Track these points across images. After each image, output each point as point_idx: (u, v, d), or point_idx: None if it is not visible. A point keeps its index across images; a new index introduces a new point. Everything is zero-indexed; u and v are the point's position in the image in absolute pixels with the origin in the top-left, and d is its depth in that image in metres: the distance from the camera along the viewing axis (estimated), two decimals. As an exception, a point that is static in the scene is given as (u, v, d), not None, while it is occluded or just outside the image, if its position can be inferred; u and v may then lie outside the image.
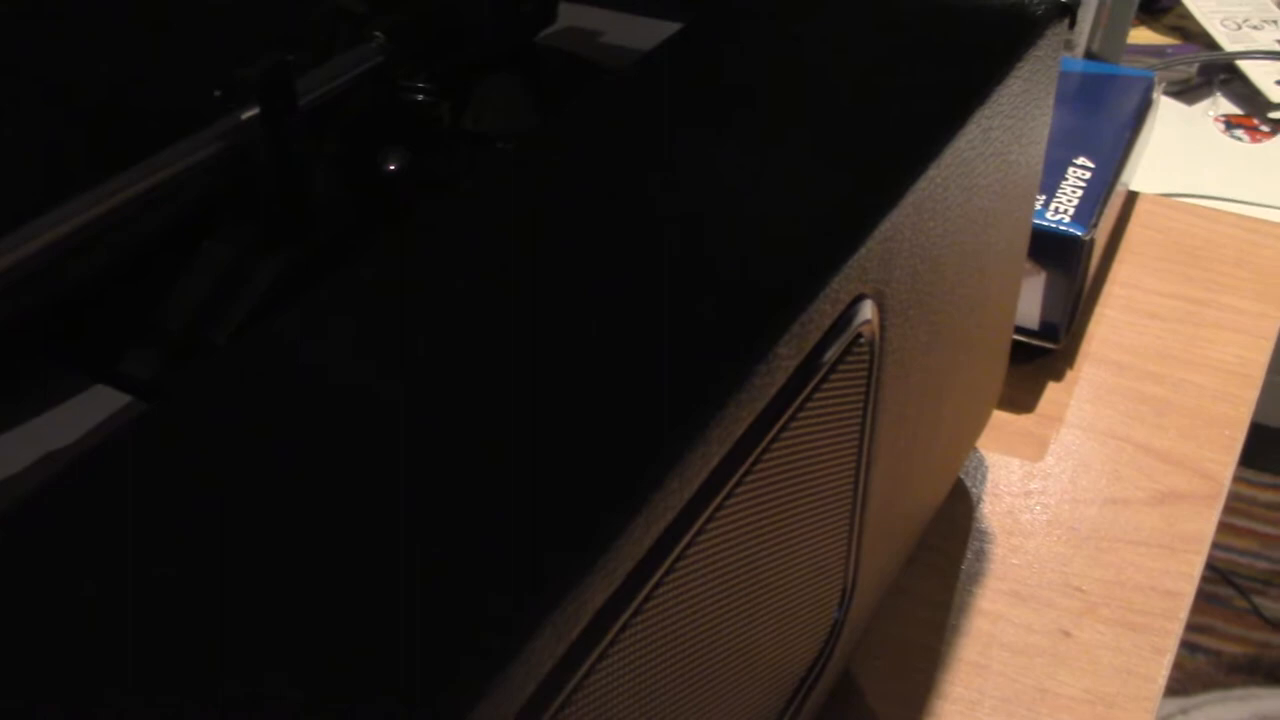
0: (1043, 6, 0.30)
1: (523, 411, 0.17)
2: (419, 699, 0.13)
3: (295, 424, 0.17)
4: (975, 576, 0.34)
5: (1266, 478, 1.74)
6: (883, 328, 0.24)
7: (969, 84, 0.26)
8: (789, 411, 0.21)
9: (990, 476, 0.37)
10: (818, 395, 0.22)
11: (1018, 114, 0.29)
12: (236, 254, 0.24)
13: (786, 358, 0.20)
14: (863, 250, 0.22)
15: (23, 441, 0.22)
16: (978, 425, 0.35)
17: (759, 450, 0.20)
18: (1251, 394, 0.40)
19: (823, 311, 0.21)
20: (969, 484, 0.37)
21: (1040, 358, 0.42)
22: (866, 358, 0.23)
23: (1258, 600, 1.57)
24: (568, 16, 0.32)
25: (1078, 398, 0.40)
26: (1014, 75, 0.28)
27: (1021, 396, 0.40)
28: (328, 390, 0.17)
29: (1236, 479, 1.66)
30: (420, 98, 0.28)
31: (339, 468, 0.16)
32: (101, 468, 0.16)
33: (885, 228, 0.23)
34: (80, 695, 0.13)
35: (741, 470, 0.19)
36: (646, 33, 0.33)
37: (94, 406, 0.23)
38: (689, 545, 0.19)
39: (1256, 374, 0.41)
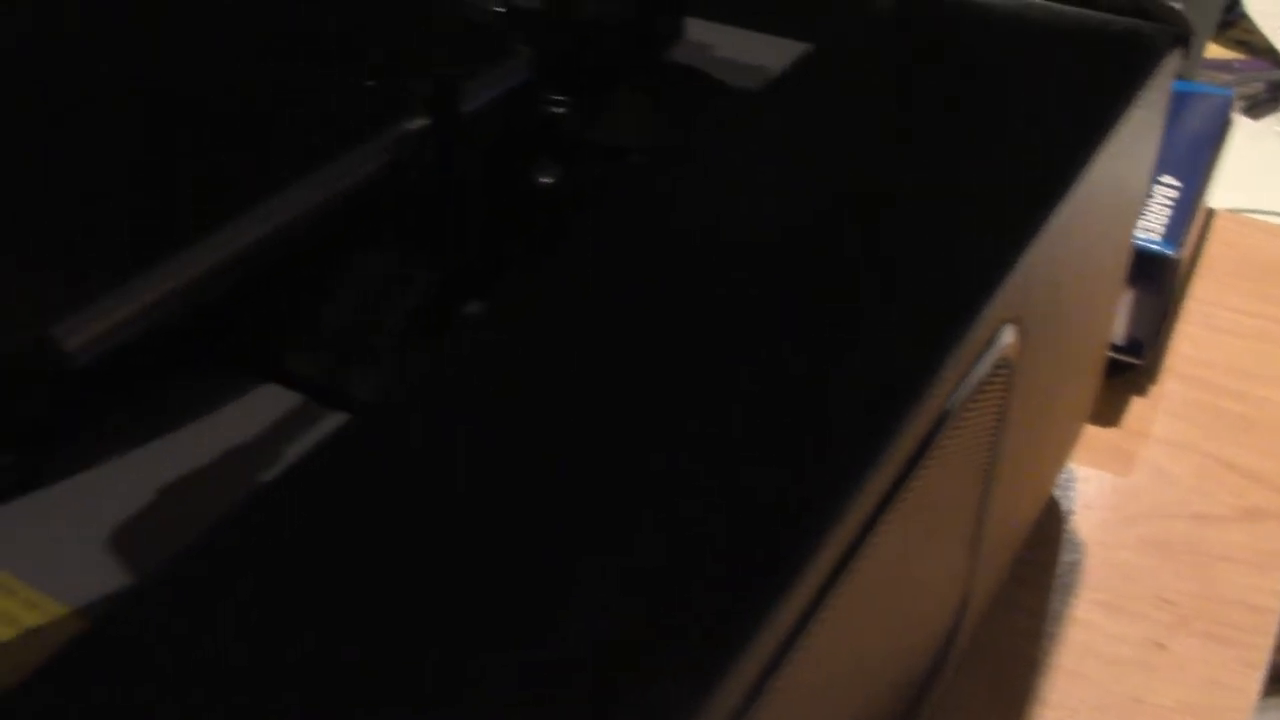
0: (1160, 36, 0.31)
1: (725, 433, 0.18)
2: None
3: (495, 444, 0.18)
4: (1069, 587, 0.35)
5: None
6: (1020, 350, 0.25)
7: (1098, 115, 0.27)
8: (946, 428, 0.22)
9: (1079, 489, 0.38)
10: (965, 414, 0.23)
11: (1135, 141, 0.30)
12: (399, 259, 0.25)
13: (950, 380, 0.21)
14: (1011, 278, 0.23)
15: (199, 437, 0.23)
16: (1072, 440, 0.36)
17: (921, 464, 0.21)
18: (1333, 414, 0.41)
19: (979, 337, 0.22)
20: (1059, 496, 0.38)
21: (1125, 373, 0.42)
22: (1006, 379, 0.24)
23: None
24: (689, 32, 0.33)
25: (1161, 413, 0.41)
26: (1136, 105, 0.29)
27: (1107, 411, 0.41)
28: (520, 413, 0.18)
29: None
30: (557, 110, 0.29)
31: (544, 495, 0.17)
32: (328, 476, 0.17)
33: (1028, 256, 0.23)
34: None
35: (909, 482, 0.20)
36: (766, 49, 0.34)
37: (267, 404, 0.24)
38: (861, 555, 0.19)
39: (1337, 394, 0.42)
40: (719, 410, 0.19)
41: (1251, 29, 0.71)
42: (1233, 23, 0.74)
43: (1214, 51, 0.71)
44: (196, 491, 0.22)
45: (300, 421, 0.24)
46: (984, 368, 0.23)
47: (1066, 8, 0.31)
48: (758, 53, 0.33)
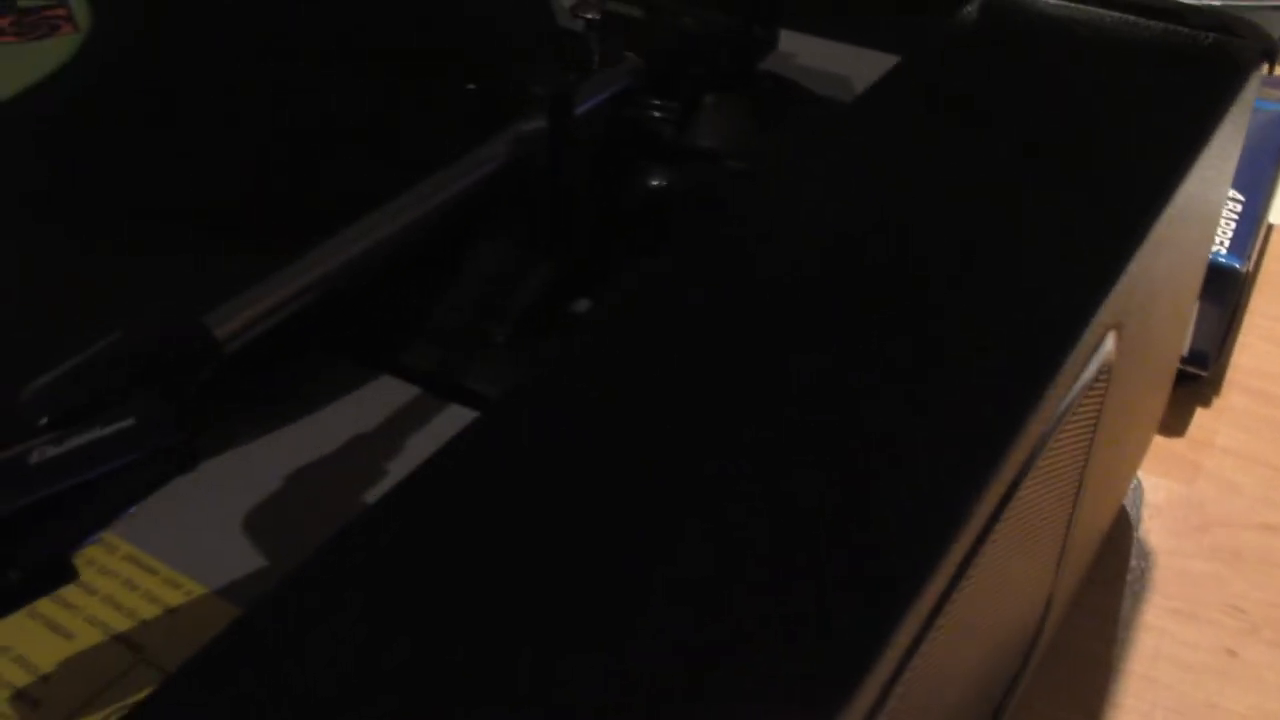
0: (1246, 51, 0.31)
1: (841, 443, 0.19)
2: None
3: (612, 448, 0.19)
4: (1139, 593, 0.36)
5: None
6: (1118, 354, 0.25)
7: (1192, 131, 0.28)
8: (1056, 431, 0.22)
9: (1147, 498, 0.39)
10: (1070, 417, 0.23)
11: (1221, 156, 0.31)
12: (513, 257, 0.26)
13: (1063, 385, 0.21)
14: (1115, 289, 0.23)
15: (323, 427, 0.24)
16: (1144, 448, 0.37)
17: (1032, 469, 0.21)
18: (1397, 428, 0.42)
19: (1088, 343, 0.22)
20: (1127, 505, 0.38)
21: (1189, 384, 0.43)
22: (1105, 384, 0.25)
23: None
24: (783, 43, 0.33)
25: (1225, 424, 0.42)
26: (1225, 121, 0.29)
27: (1173, 421, 0.42)
28: (623, 420, 0.19)
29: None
30: (656, 114, 0.29)
31: (646, 503, 0.18)
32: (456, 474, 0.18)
33: (1131, 267, 0.24)
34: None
35: (1020, 489, 0.21)
36: (853, 60, 0.34)
37: (386, 396, 0.25)
38: (973, 567, 0.20)
39: (1401, 409, 0.42)
40: (831, 420, 0.19)
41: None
42: None
43: (1264, 68, 0.72)
44: (321, 478, 0.23)
45: (416, 413, 0.25)
46: (1090, 373, 0.23)
47: (1153, 22, 0.32)
48: (845, 63, 0.34)
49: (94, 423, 0.17)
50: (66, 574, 0.17)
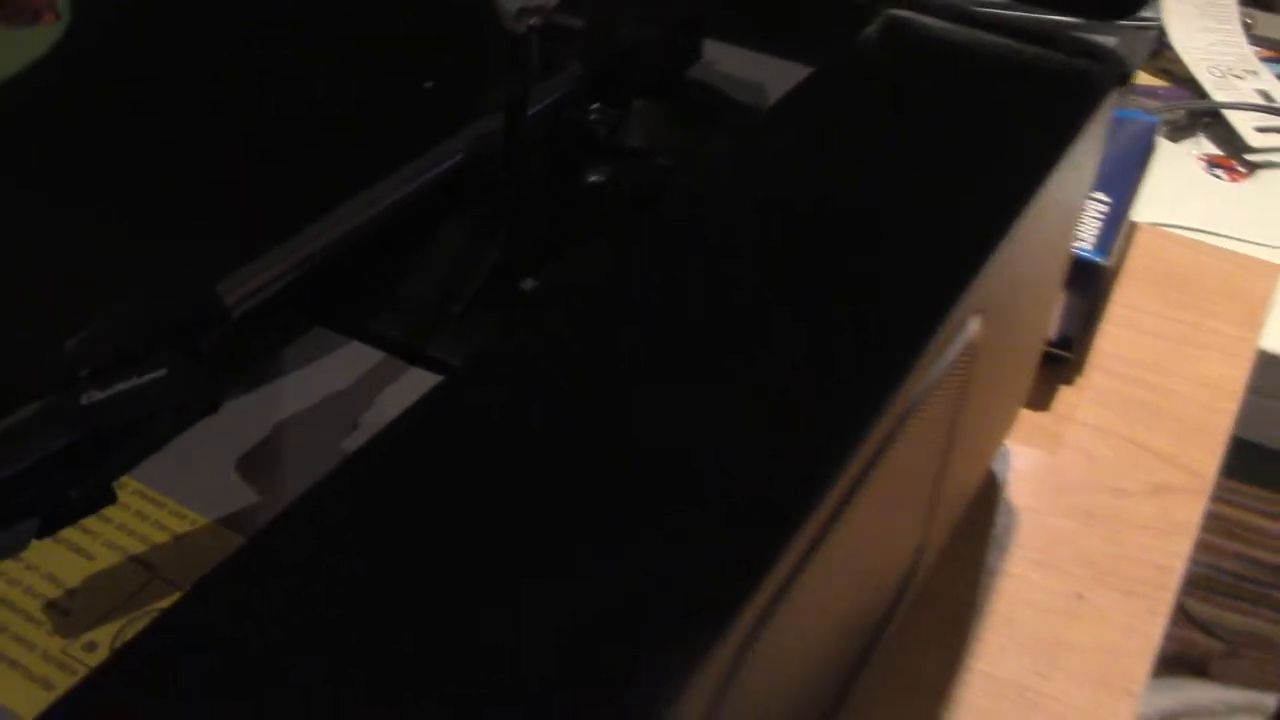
0: (1105, 74, 0.36)
1: (736, 401, 0.23)
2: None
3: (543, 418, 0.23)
4: (1003, 547, 0.41)
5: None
6: (983, 336, 0.30)
7: (1053, 142, 0.32)
8: (923, 402, 0.27)
9: (1014, 464, 0.44)
10: (939, 389, 0.28)
11: (1079, 164, 0.35)
12: (470, 238, 0.30)
13: (931, 358, 0.26)
14: (980, 276, 0.28)
15: (304, 384, 0.28)
16: (1011, 420, 0.42)
17: (900, 432, 0.26)
18: (1233, 405, 0.47)
19: (954, 324, 0.27)
20: (996, 469, 0.43)
21: (1056, 365, 0.48)
22: (970, 361, 0.29)
23: (1185, 600, 1.67)
24: (708, 53, 0.38)
25: (1086, 401, 0.47)
26: (1083, 134, 0.34)
27: (1039, 397, 0.47)
28: (565, 386, 0.23)
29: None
30: (594, 117, 0.33)
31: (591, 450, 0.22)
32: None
33: (995, 258, 0.29)
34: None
35: (889, 448, 0.25)
36: (769, 69, 0.38)
37: (356, 359, 0.28)
38: (850, 504, 0.24)
39: (1237, 388, 0.48)
40: (731, 375, 0.24)
41: (1175, 59, 0.78)
42: (1159, 52, 0.80)
43: (1142, 79, 0.78)
44: (301, 428, 0.27)
45: (382, 374, 0.28)
46: (955, 350, 0.28)
47: (1028, 47, 0.36)
48: (762, 72, 0.38)
49: (132, 373, 0.21)
50: (109, 497, 0.21)
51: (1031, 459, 0.44)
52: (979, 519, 0.41)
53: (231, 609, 0.18)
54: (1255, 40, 0.78)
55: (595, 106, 0.33)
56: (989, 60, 0.36)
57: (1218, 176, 0.70)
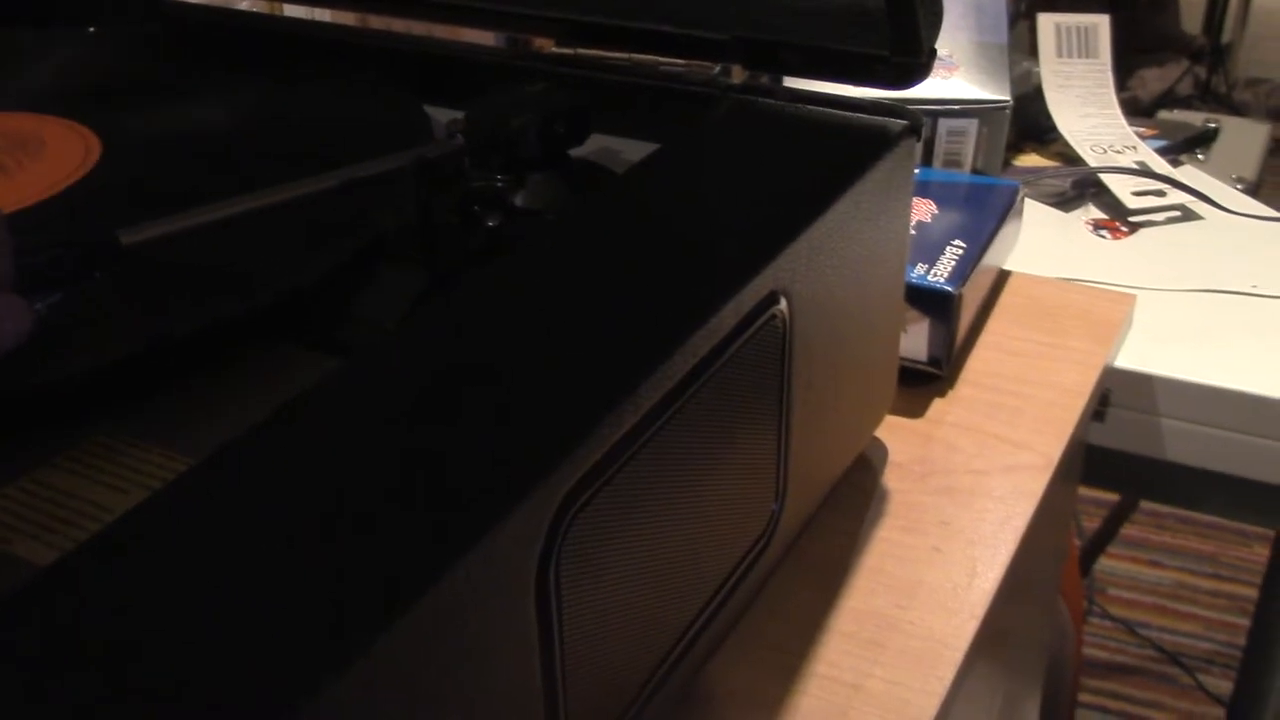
0: (899, 128, 0.46)
1: (563, 354, 0.33)
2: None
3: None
4: (876, 518, 0.49)
5: (1207, 567, 1.87)
6: (791, 315, 0.39)
7: (846, 170, 0.42)
8: (729, 351, 0.36)
9: (889, 458, 0.53)
10: (747, 347, 0.37)
11: (881, 193, 0.45)
12: (400, 270, 0.40)
13: (729, 318, 0.35)
14: (775, 262, 0.37)
15: (269, 389, 0.37)
16: (876, 417, 0.51)
17: (710, 373, 0.35)
18: (1081, 403, 0.56)
19: (754, 291, 0.36)
20: (873, 460, 0.52)
21: (929, 382, 0.57)
22: (780, 331, 0.39)
23: (1202, 678, 1.70)
24: (601, 141, 0.48)
25: (955, 407, 0.56)
26: (878, 166, 0.44)
27: (914, 407, 0.56)
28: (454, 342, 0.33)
29: (1181, 569, 1.81)
30: (498, 183, 0.44)
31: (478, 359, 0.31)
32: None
33: (789, 252, 0.38)
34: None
35: (695, 386, 0.35)
36: (644, 151, 0.49)
37: (312, 364, 0.38)
38: (656, 433, 0.33)
39: (1086, 390, 0.57)
40: (576, 321, 0.33)
41: (1067, 145, 0.88)
42: (1054, 140, 0.91)
43: (1036, 160, 0.89)
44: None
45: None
46: (762, 318, 0.37)
47: (838, 112, 0.47)
48: (638, 153, 0.49)
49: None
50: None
51: (903, 452, 0.53)
52: (856, 499, 0.50)
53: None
54: (1134, 122, 0.88)
55: (499, 176, 0.44)
56: (810, 124, 0.46)
57: (1102, 236, 0.79)
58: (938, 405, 0.56)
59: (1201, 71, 2.87)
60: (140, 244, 0.36)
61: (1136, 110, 0.86)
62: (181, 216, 0.37)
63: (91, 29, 0.61)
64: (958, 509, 0.50)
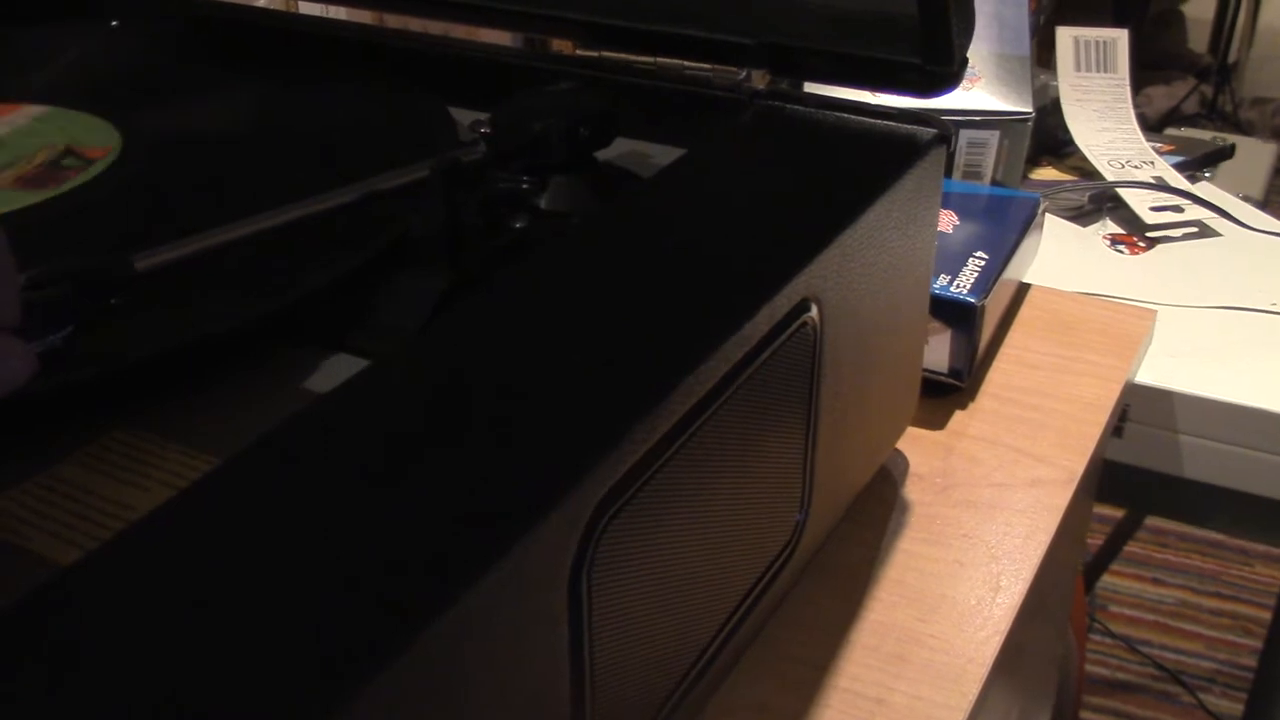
0: (929, 136, 0.46)
1: (596, 360, 0.32)
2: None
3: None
4: (898, 529, 0.49)
5: (1209, 585, 1.87)
6: (822, 321, 0.39)
7: (877, 178, 0.42)
8: (761, 357, 0.35)
9: (911, 469, 0.52)
10: (779, 353, 0.36)
11: (911, 202, 0.45)
12: (426, 272, 0.39)
13: (763, 324, 0.35)
14: (807, 269, 0.37)
15: (296, 390, 0.37)
16: (898, 428, 0.50)
17: (742, 379, 0.34)
18: (1103, 418, 0.55)
19: (787, 297, 0.36)
20: (894, 472, 0.52)
21: (951, 394, 0.57)
22: (812, 337, 0.38)
23: (1203, 696, 1.69)
24: (626, 144, 0.48)
25: (976, 420, 0.55)
26: (908, 175, 0.43)
27: (935, 419, 0.55)
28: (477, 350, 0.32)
29: (1183, 587, 1.80)
30: (525, 186, 0.43)
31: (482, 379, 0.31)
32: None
33: (821, 259, 0.38)
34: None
35: (728, 393, 0.34)
36: (669, 155, 0.48)
37: (341, 367, 0.37)
38: (688, 440, 0.33)
39: (1108, 404, 0.56)
40: (606, 326, 0.33)
41: (1084, 159, 0.88)
42: (1071, 154, 0.90)
43: (1053, 174, 0.88)
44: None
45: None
46: (794, 323, 0.37)
47: (867, 120, 0.46)
48: (664, 157, 0.48)
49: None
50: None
51: (925, 465, 0.52)
52: (878, 511, 0.50)
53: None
54: (1152, 138, 0.88)
55: (525, 179, 0.43)
56: (838, 130, 0.46)
57: (1120, 251, 0.79)
58: (959, 417, 0.56)
59: (1207, 90, 2.87)
60: (155, 267, 0.35)
61: (1143, 127, 0.86)
62: (197, 238, 0.36)
63: (114, 22, 0.60)
64: (979, 522, 0.49)
